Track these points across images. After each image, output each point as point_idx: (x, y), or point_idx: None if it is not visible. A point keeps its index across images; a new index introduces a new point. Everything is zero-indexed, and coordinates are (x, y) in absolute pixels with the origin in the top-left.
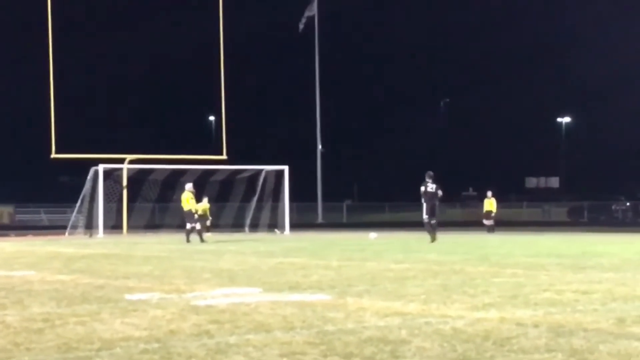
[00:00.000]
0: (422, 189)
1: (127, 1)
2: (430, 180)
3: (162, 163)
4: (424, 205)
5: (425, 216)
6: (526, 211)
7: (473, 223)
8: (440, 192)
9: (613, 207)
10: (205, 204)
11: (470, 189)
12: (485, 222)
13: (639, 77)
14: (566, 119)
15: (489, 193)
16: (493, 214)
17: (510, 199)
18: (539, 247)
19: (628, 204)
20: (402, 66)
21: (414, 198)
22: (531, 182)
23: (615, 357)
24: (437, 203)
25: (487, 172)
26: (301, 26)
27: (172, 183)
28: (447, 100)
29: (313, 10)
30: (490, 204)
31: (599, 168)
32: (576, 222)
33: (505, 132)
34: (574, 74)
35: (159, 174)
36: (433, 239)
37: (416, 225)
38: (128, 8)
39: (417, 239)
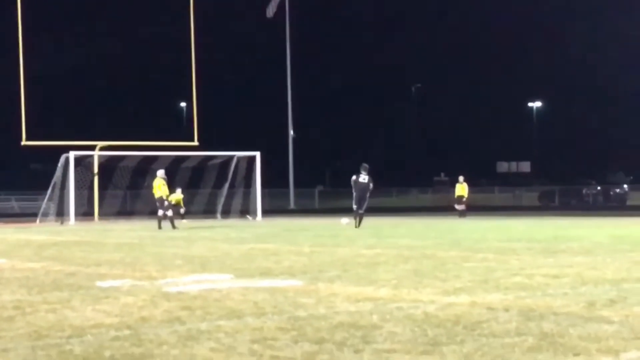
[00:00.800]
0: (354, 178)
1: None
2: (364, 172)
3: (133, 150)
4: (354, 194)
5: (354, 206)
6: (498, 196)
7: (445, 208)
8: (371, 185)
9: (584, 191)
10: (178, 195)
11: (442, 174)
12: (457, 206)
13: (609, 61)
14: (537, 104)
15: (461, 178)
16: (464, 199)
17: (481, 183)
18: (510, 232)
19: (599, 188)
20: (374, 50)
21: (387, 184)
22: (502, 166)
23: (586, 340)
24: (367, 194)
25: (458, 157)
26: (270, 11)
27: (144, 170)
28: (419, 85)
29: None
30: (462, 188)
31: (570, 152)
32: (547, 206)
33: (477, 117)
34: (544, 59)
35: (130, 160)
36: (357, 225)
37: (389, 210)
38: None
39: (389, 224)
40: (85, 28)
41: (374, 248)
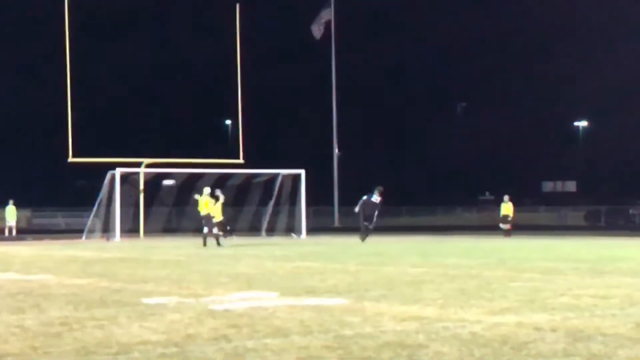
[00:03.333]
0: (365, 198)
1: (146, 6)
2: (377, 194)
3: (178, 167)
4: (364, 213)
5: (365, 223)
6: (543, 215)
7: (490, 227)
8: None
9: (630, 211)
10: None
11: (487, 193)
12: (502, 226)
13: None
14: (583, 123)
15: (506, 197)
16: (510, 218)
17: (526, 202)
18: (556, 252)
19: None
20: (419, 70)
21: (432, 202)
22: (548, 186)
23: None
24: (376, 212)
25: (503, 176)
26: (317, 33)
27: (189, 187)
28: (464, 104)
29: (329, 14)
30: (507, 208)
31: (616, 172)
32: (593, 226)
33: (522, 136)
34: (590, 78)
35: (175, 177)
36: (363, 240)
37: (433, 229)
38: (146, 13)
39: (434, 243)
40: (133, 46)
41: (420, 267)
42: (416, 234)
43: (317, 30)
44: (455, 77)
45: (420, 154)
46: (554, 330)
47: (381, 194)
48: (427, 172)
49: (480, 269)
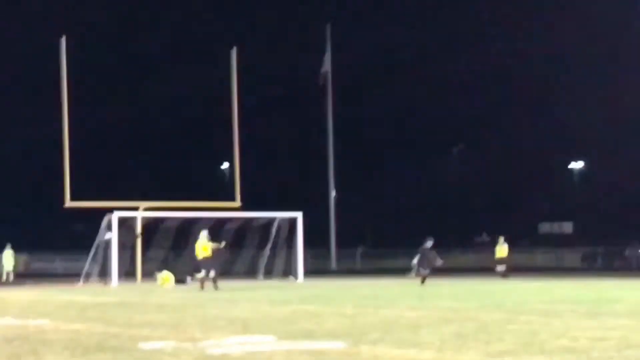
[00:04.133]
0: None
1: (140, 49)
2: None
3: (175, 210)
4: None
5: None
6: (540, 257)
7: (486, 269)
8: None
9: (627, 252)
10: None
11: (484, 234)
12: (498, 268)
13: None
14: (579, 164)
15: (501, 239)
16: (505, 260)
17: (523, 244)
18: (553, 293)
19: None
20: (414, 111)
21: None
22: (545, 227)
23: None
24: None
25: (500, 217)
26: (319, 80)
27: (186, 230)
28: (461, 145)
29: (326, 66)
30: (502, 250)
31: (613, 213)
32: (590, 267)
33: (518, 178)
34: (585, 119)
35: (172, 221)
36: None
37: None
38: (141, 56)
39: (431, 285)
40: (129, 89)
41: (417, 310)
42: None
43: (320, 78)
44: (452, 119)
45: (416, 195)
46: None
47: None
48: (424, 213)
49: (477, 312)
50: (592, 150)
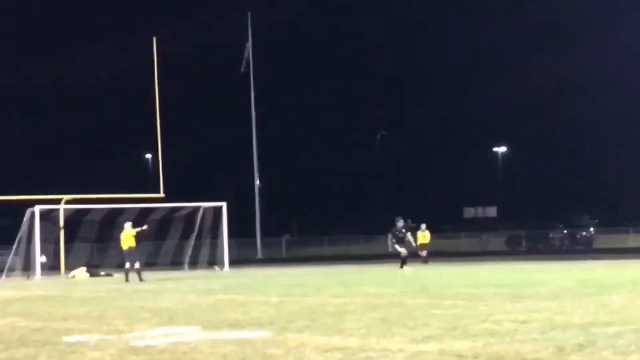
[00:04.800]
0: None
1: (58, 36)
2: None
3: (99, 203)
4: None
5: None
6: (464, 241)
7: (411, 254)
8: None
9: (550, 235)
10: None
11: (409, 221)
12: (420, 253)
13: (576, 105)
14: (502, 149)
15: (423, 226)
16: (426, 246)
17: (448, 229)
18: (477, 278)
19: (565, 231)
20: (338, 100)
21: (353, 231)
22: (469, 212)
23: None
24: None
25: (424, 203)
26: (242, 68)
27: (110, 222)
28: (384, 132)
29: (248, 53)
30: (424, 236)
31: (536, 197)
32: (514, 251)
33: (442, 164)
34: (508, 104)
35: (96, 213)
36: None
37: (356, 258)
38: (61, 43)
39: (356, 272)
40: (49, 78)
41: (342, 297)
42: (338, 264)
43: (242, 66)
44: (374, 106)
45: (340, 183)
46: (476, 357)
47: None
48: (348, 201)
49: (402, 297)
50: (515, 134)
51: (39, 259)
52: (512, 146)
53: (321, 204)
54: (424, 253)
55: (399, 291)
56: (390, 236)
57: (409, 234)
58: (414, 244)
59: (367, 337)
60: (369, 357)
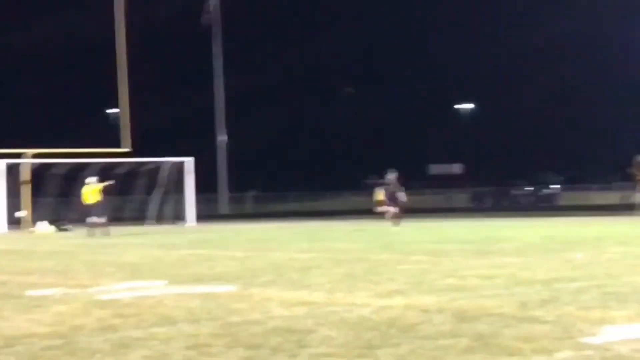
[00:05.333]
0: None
1: None
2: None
3: (64, 157)
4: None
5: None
6: (430, 198)
7: (403, 211)
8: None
9: (515, 192)
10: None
11: (374, 177)
12: (380, 209)
13: (540, 63)
14: (468, 106)
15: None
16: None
17: (413, 185)
18: (442, 234)
19: (530, 188)
20: (304, 54)
21: (319, 187)
22: (434, 169)
23: (519, 340)
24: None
25: (390, 159)
26: (203, 20)
27: (74, 177)
28: (350, 88)
29: (211, 4)
30: (380, 192)
31: (501, 154)
32: (479, 208)
33: (407, 120)
34: (475, 60)
35: (60, 168)
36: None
37: (321, 214)
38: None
39: (322, 228)
40: (11, 32)
41: (308, 252)
42: (304, 220)
43: (204, 16)
44: (341, 61)
45: (306, 139)
46: (440, 311)
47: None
48: (314, 157)
49: (367, 253)
50: (481, 91)
51: (19, 213)
52: (479, 104)
53: (288, 160)
54: (384, 209)
55: (364, 247)
56: (380, 191)
57: (398, 189)
58: (404, 199)
59: (333, 292)
60: (334, 311)
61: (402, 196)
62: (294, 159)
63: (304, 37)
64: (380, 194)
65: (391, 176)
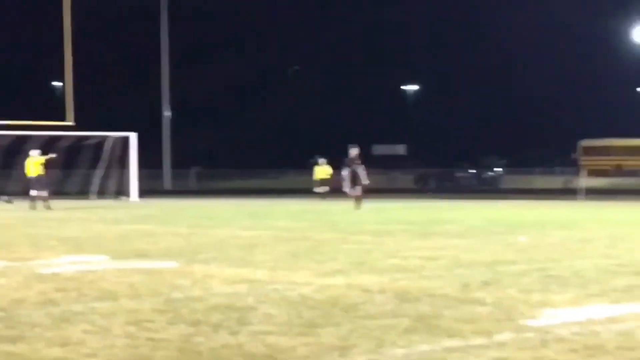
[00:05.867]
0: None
1: None
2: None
3: (5, 129)
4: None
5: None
6: (373, 178)
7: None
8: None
9: (458, 174)
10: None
11: (317, 157)
12: (318, 189)
13: (486, 46)
14: (412, 87)
15: (321, 160)
16: (327, 182)
17: None
18: (385, 214)
19: (473, 171)
20: (252, 32)
21: (264, 165)
22: (378, 149)
23: (460, 321)
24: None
25: (334, 140)
26: None
27: (17, 149)
28: (296, 67)
29: None
30: (322, 171)
31: (445, 136)
32: (422, 189)
33: (353, 100)
34: (420, 41)
35: (2, 140)
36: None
37: (266, 192)
38: None
39: (266, 206)
40: None
41: (251, 230)
42: (248, 197)
43: None
44: (287, 41)
45: (251, 117)
46: (382, 291)
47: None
48: (259, 135)
49: (311, 232)
50: (426, 72)
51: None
52: (425, 85)
53: (231, 137)
54: (325, 189)
55: (308, 226)
56: (346, 170)
57: (359, 167)
58: (365, 180)
59: (275, 269)
60: (276, 289)
61: (363, 176)
62: (240, 136)
63: (251, 15)
64: (320, 173)
65: (352, 152)
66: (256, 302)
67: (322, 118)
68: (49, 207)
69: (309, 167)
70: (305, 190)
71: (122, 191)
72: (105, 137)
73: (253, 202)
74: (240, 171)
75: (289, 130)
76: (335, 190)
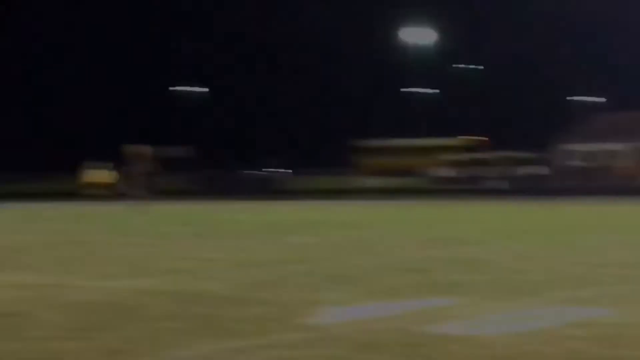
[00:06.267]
0: None
1: None
2: None
3: None
4: None
5: None
6: (158, 180)
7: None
8: None
9: (242, 175)
10: None
11: (96, 161)
12: (91, 192)
13: (269, 52)
14: (195, 88)
15: (96, 163)
16: (105, 184)
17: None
18: (164, 216)
19: (257, 172)
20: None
21: (32, 167)
22: (162, 151)
23: (239, 322)
24: None
25: (118, 140)
26: None
27: None
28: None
29: None
30: (97, 174)
31: (231, 138)
32: (205, 191)
33: (135, 100)
34: (210, 44)
35: None
36: None
37: (42, 195)
38: None
39: (41, 209)
40: None
41: (23, 233)
42: (16, 202)
43: None
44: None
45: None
46: (161, 294)
47: None
48: (29, 137)
49: (87, 235)
50: (213, 77)
51: None
52: (210, 86)
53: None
54: (103, 192)
55: (84, 229)
56: (126, 171)
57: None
58: (148, 181)
59: (45, 273)
60: (51, 294)
61: (145, 178)
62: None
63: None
64: (88, 176)
65: (137, 151)
66: (29, 307)
67: (95, 120)
68: None
69: (79, 170)
70: (75, 194)
71: None
72: None
73: (25, 206)
74: (29, 175)
75: (56, 132)
76: (111, 192)
